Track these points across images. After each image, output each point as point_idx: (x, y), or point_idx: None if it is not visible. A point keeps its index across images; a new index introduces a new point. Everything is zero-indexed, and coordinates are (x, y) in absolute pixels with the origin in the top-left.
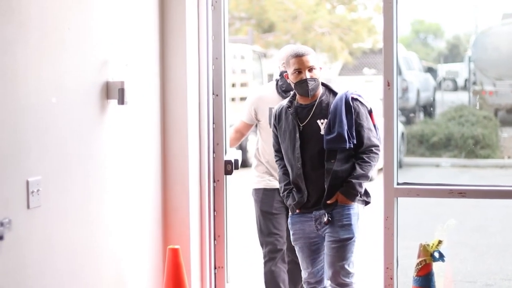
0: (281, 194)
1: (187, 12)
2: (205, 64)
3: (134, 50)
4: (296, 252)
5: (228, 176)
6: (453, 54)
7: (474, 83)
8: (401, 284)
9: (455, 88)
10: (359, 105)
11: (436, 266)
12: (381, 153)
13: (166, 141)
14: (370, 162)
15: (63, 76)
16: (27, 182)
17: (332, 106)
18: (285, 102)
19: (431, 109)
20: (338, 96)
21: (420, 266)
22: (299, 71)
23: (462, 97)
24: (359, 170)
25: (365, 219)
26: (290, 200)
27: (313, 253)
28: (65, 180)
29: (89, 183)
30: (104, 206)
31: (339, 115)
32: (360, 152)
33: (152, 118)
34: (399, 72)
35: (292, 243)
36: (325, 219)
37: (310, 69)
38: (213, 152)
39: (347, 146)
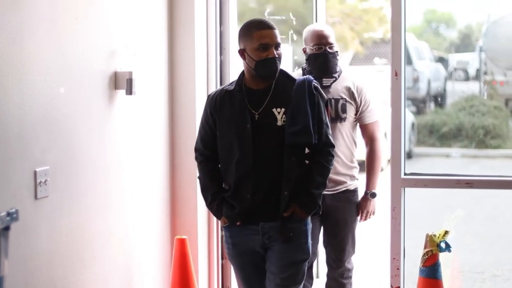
0: (207, 205)
1: (195, 1)
2: (214, 54)
3: (142, 40)
4: (234, 270)
5: None
6: (465, 43)
7: (485, 73)
8: (409, 274)
9: (467, 78)
10: (319, 95)
11: (443, 257)
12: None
13: (174, 131)
14: (329, 168)
15: (71, 66)
16: (35, 172)
17: (293, 93)
18: (227, 85)
19: (441, 99)
20: (299, 82)
21: (426, 257)
22: (265, 47)
23: (473, 87)
24: (318, 178)
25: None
26: (226, 210)
27: (259, 271)
28: (73, 170)
29: (97, 173)
30: (112, 196)
31: (304, 104)
32: (317, 153)
33: (160, 108)
34: (410, 62)
35: (229, 259)
36: (285, 236)
37: (277, 47)
38: None
39: (313, 141)
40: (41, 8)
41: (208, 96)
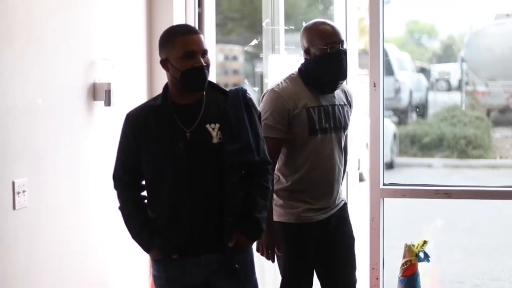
0: (134, 236)
1: (174, 13)
2: None
3: (121, 51)
4: None
5: None
6: (447, 54)
7: (467, 83)
8: (388, 284)
9: (448, 89)
10: (254, 108)
11: (423, 267)
12: None
13: None
14: (269, 188)
15: (50, 77)
16: (13, 183)
17: (229, 107)
18: (150, 101)
19: (423, 109)
20: (233, 94)
21: (405, 267)
22: (190, 54)
23: (454, 98)
24: (260, 201)
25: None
26: (159, 241)
27: None
28: (51, 182)
29: (76, 185)
30: (91, 207)
31: (242, 120)
32: (256, 173)
33: None
34: (392, 73)
35: None
36: (232, 270)
37: (204, 54)
38: None
39: (256, 159)
40: (18, 20)
41: (127, 116)
